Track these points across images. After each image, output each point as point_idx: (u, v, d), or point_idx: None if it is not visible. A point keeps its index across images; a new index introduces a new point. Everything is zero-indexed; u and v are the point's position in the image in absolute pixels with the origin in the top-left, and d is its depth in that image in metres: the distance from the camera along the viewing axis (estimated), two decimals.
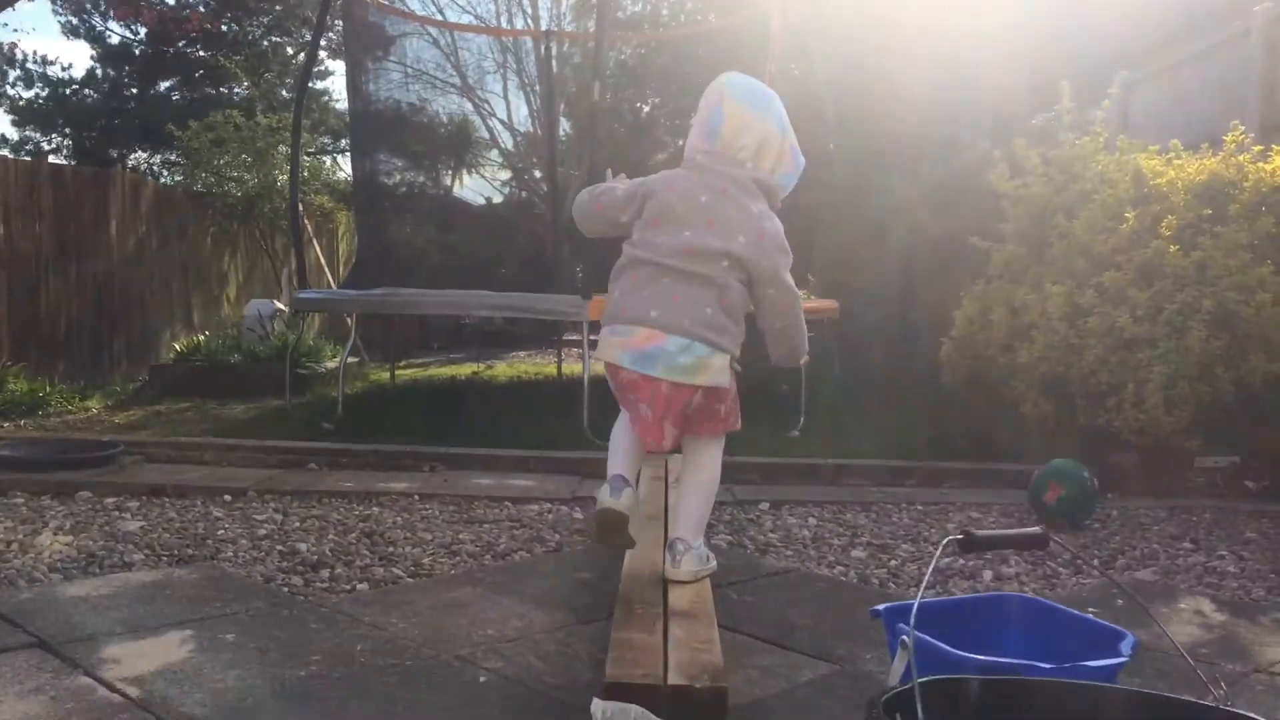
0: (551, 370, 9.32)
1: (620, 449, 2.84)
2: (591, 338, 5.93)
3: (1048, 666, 1.74)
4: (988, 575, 3.35)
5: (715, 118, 2.74)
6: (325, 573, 3.27)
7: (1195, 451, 4.61)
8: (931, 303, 6.74)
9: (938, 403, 5.89)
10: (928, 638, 1.77)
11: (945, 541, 1.64)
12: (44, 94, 17.92)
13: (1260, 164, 4.87)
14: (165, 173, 17.00)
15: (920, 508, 4.36)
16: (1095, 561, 3.55)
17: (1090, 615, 2.26)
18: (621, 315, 2.70)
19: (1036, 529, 1.77)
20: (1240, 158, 4.92)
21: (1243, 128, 5.17)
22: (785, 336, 2.80)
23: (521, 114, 13.20)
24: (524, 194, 13.12)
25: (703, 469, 2.81)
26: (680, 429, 2.72)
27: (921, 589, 1.63)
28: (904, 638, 1.83)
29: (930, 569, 1.56)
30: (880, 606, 2.04)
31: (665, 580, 2.71)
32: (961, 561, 3.46)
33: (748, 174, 2.71)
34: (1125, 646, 1.85)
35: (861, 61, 8.87)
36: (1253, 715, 1.47)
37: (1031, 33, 8.81)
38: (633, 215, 2.78)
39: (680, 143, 3.02)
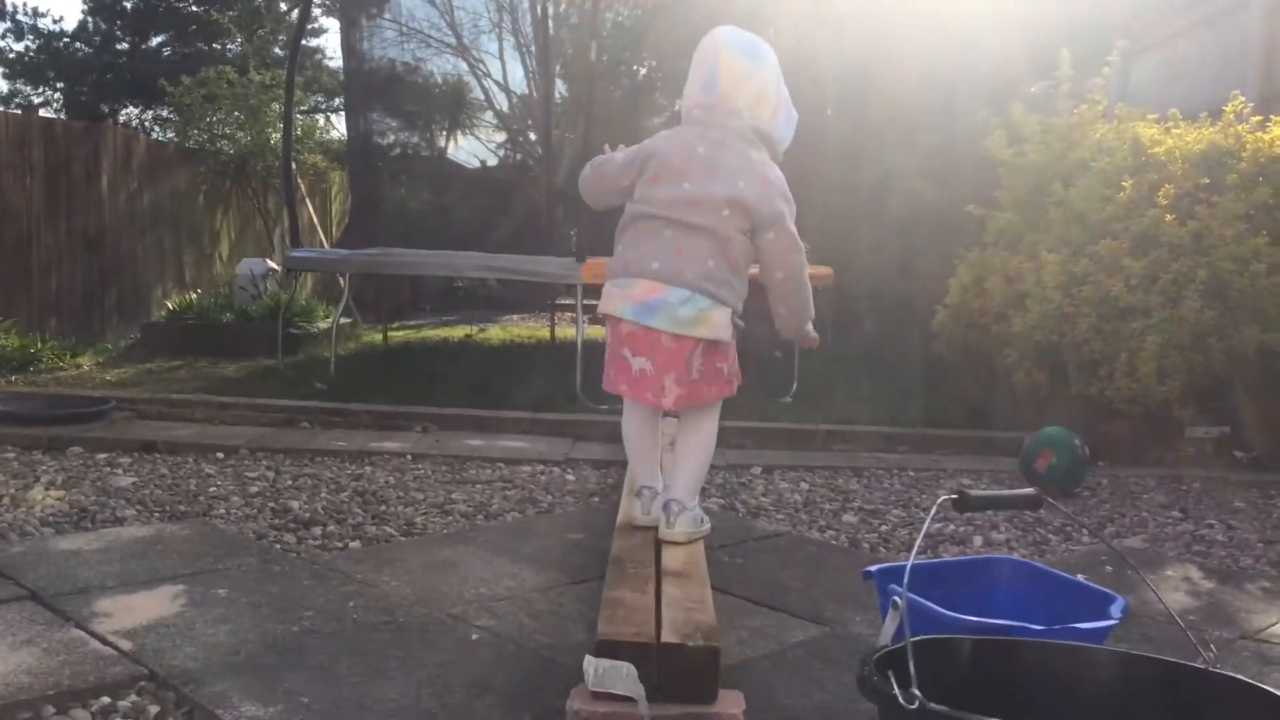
0: (545, 334, 9.30)
1: (638, 451, 2.85)
2: (586, 301, 5.93)
3: (1038, 628, 1.75)
4: (978, 541, 3.36)
5: (712, 70, 2.72)
6: (317, 530, 3.27)
7: (1186, 421, 4.63)
8: (926, 270, 6.74)
9: (931, 370, 5.90)
10: (920, 599, 1.78)
11: (940, 500, 1.64)
12: (35, 47, 17.72)
13: (1259, 134, 4.86)
14: (157, 129, 16.87)
15: (912, 474, 4.38)
16: (1086, 525, 3.57)
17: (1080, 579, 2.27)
18: (624, 269, 2.68)
19: (1030, 490, 1.78)
20: (1239, 127, 4.91)
21: (1242, 97, 5.15)
22: (786, 292, 2.73)
23: (517, 75, 13.05)
24: (519, 156, 13.03)
25: (700, 431, 2.78)
26: (685, 390, 2.65)
27: (914, 551, 1.64)
28: (896, 598, 1.84)
29: (924, 529, 1.56)
30: (872, 568, 2.05)
31: (658, 541, 2.72)
32: (952, 527, 3.47)
33: (746, 123, 2.68)
34: (1115, 609, 1.86)
35: (859, 28, 8.80)
36: (1240, 676, 1.48)
37: (1030, 1, 8.74)
38: (634, 177, 2.75)
39: (677, 106, 2.97)
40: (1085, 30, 8.83)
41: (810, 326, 2.82)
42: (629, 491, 3.04)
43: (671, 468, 2.86)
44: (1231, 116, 4.99)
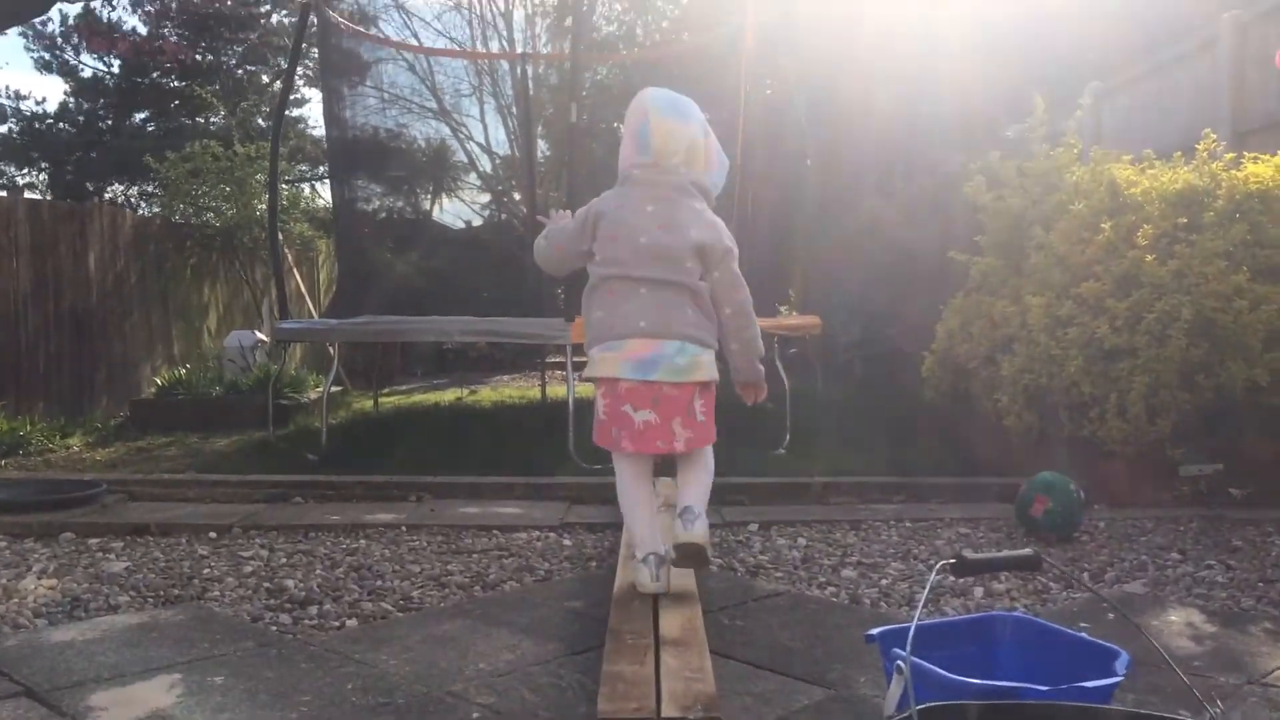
0: (535, 394, 9.29)
1: (638, 514, 2.95)
2: (575, 359, 5.94)
3: (1044, 689, 1.74)
4: (979, 592, 3.35)
5: (643, 131, 2.93)
6: (313, 609, 3.24)
7: (1179, 460, 4.63)
8: (912, 316, 6.78)
9: (922, 416, 5.91)
10: (924, 662, 1.77)
11: (939, 565, 1.64)
12: (18, 129, 17.84)
13: (1233, 171, 4.92)
14: (143, 204, 16.93)
15: (909, 524, 4.37)
16: (1085, 576, 3.56)
17: (1083, 632, 2.26)
18: (611, 332, 2.85)
19: (1029, 551, 1.77)
20: (1213, 165, 4.97)
21: (1214, 135, 5.22)
22: (736, 327, 2.91)
23: (499, 136, 13.23)
24: (503, 216, 13.13)
25: (704, 464, 2.97)
26: (693, 432, 2.85)
27: (917, 613, 1.63)
28: (899, 663, 1.83)
29: (925, 594, 1.56)
30: (875, 631, 2.03)
31: (656, 609, 2.71)
32: (952, 579, 3.45)
33: (684, 179, 2.90)
34: (1120, 665, 1.85)
35: (834, 79, 8.92)
36: None
37: (1000, 45, 8.89)
38: (589, 241, 2.95)
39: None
40: (1057, 72, 8.97)
41: (761, 368, 3.00)
42: (625, 559, 3.03)
43: (682, 483, 2.99)
44: (1205, 155, 5.06)
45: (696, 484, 2.93)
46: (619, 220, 2.88)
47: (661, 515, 3.15)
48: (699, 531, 2.82)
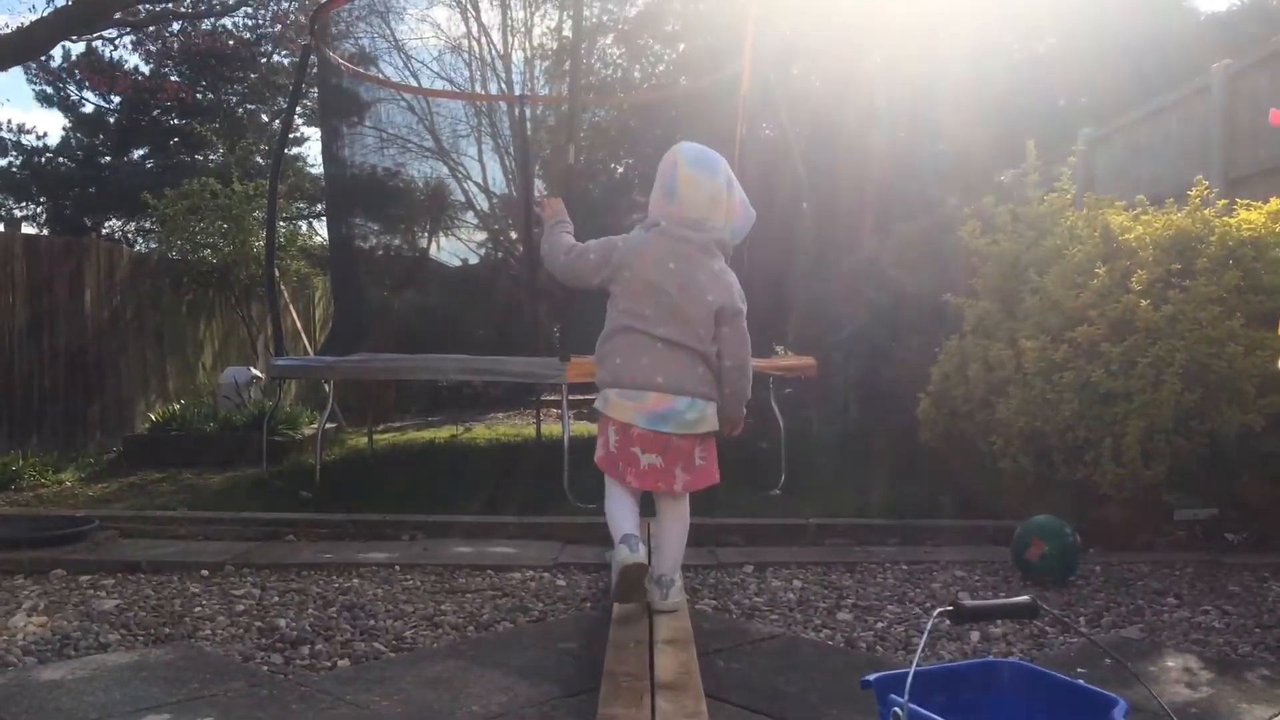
0: (530, 432, 9.28)
1: (621, 514, 3.24)
2: (571, 398, 5.94)
3: None
4: (975, 636, 3.33)
5: (672, 182, 3.21)
6: (305, 649, 3.22)
7: (1174, 504, 4.63)
8: (907, 358, 6.80)
9: (917, 459, 5.90)
10: (921, 709, 1.76)
11: (936, 613, 1.63)
12: (18, 162, 17.91)
13: (1226, 218, 4.97)
14: (140, 240, 16.97)
15: (905, 567, 4.35)
16: (1081, 621, 3.55)
17: (1080, 679, 2.25)
18: (629, 381, 3.17)
19: (1026, 599, 1.77)
20: (1206, 212, 5.01)
21: (1206, 182, 5.27)
22: (732, 377, 3.19)
23: (496, 176, 13.29)
24: (500, 255, 13.17)
25: (680, 516, 3.29)
26: (691, 476, 3.20)
27: (915, 659, 1.63)
28: (896, 709, 1.81)
29: (922, 640, 1.55)
30: (871, 676, 2.01)
31: (652, 652, 2.70)
32: (948, 623, 3.44)
33: (707, 236, 3.17)
34: (1118, 714, 1.83)
35: (830, 124, 9.02)
36: None
37: (997, 90, 9.00)
38: (604, 280, 3.27)
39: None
40: (1049, 119, 9.08)
41: (743, 410, 3.28)
42: (618, 626, 3.05)
43: (657, 548, 3.32)
44: (1197, 201, 5.10)
45: (671, 548, 3.25)
46: (643, 277, 3.17)
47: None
48: (674, 600, 3.17)
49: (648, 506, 3.41)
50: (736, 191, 3.24)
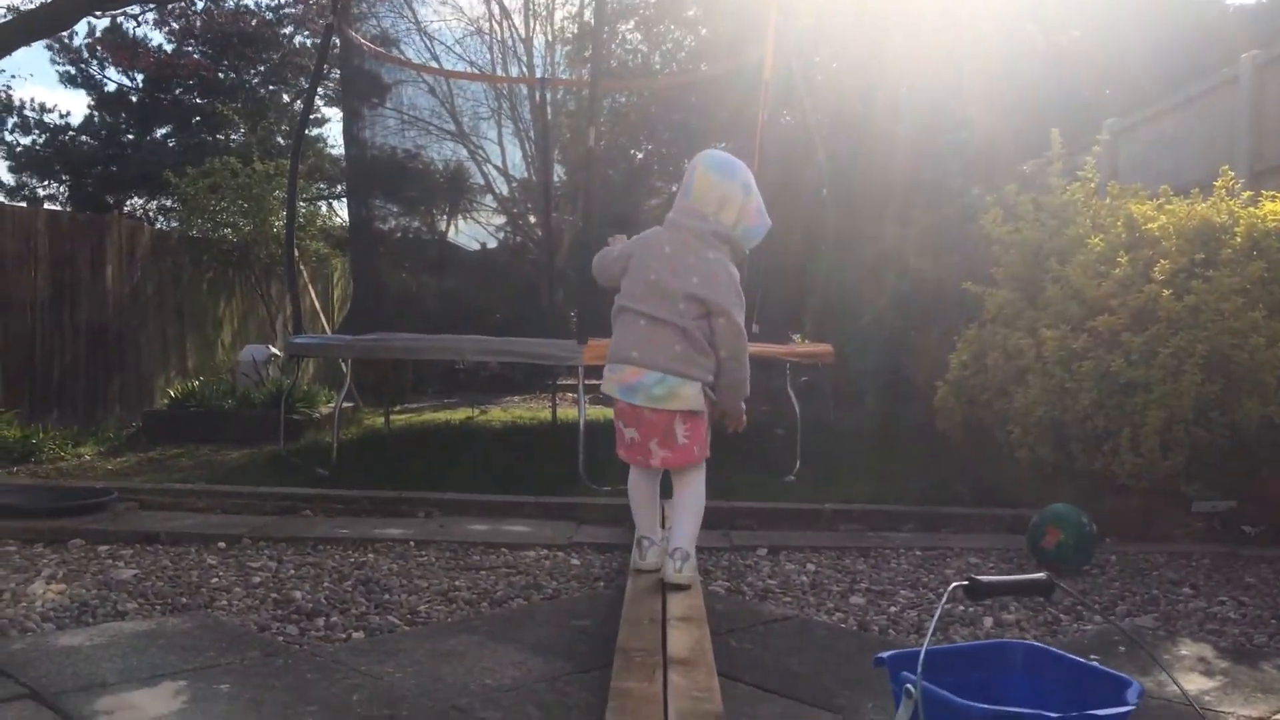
0: (546, 415, 9.31)
1: (639, 509, 3.44)
2: (587, 382, 5.94)
3: (1055, 716, 1.72)
4: (988, 622, 3.33)
5: (689, 181, 3.36)
6: (320, 621, 3.23)
7: (1192, 495, 4.60)
8: (926, 346, 6.77)
9: (934, 446, 5.89)
10: (934, 686, 1.76)
11: (951, 587, 1.63)
12: (41, 140, 18.00)
13: (1251, 209, 4.92)
14: (161, 218, 17.04)
15: (919, 553, 4.34)
16: (1097, 608, 3.53)
17: (1094, 662, 2.24)
18: (614, 356, 3.32)
19: (1042, 575, 1.76)
20: (1231, 203, 4.97)
21: (1232, 173, 5.22)
22: (727, 368, 3.26)
23: (516, 160, 13.26)
24: (519, 239, 13.16)
25: (692, 486, 3.34)
26: (670, 452, 3.26)
27: (928, 637, 1.62)
28: (909, 686, 1.81)
29: (935, 617, 1.55)
30: (884, 654, 2.02)
31: (665, 628, 2.71)
32: (962, 608, 3.44)
33: (709, 227, 3.27)
34: (1131, 695, 1.83)
35: (852, 112, 8.97)
36: None
37: (1019, 81, 8.93)
38: (622, 271, 3.41)
39: (674, 188, 3.57)
40: (1074, 109, 9.00)
41: (742, 404, 3.33)
42: (632, 604, 3.06)
43: (672, 523, 3.38)
44: (1222, 191, 5.06)
45: (684, 524, 3.29)
46: (640, 259, 3.32)
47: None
48: (687, 575, 3.20)
49: (665, 487, 3.46)
50: (754, 197, 3.33)
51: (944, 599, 1.58)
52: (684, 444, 3.25)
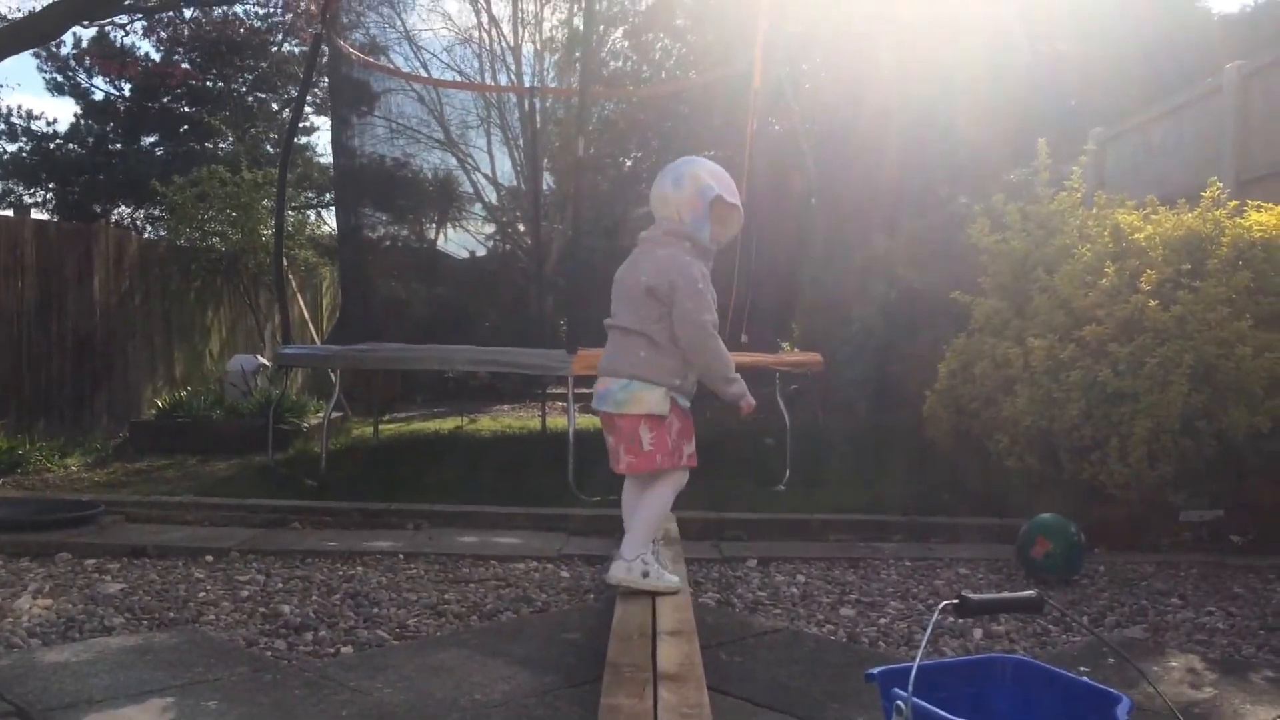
0: (536, 424, 9.28)
1: (628, 516, 3.38)
2: (576, 391, 5.94)
3: None
4: (978, 634, 3.33)
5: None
6: (309, 635, 3.22)
7: (1180, 505, 4.61)
8: (914, 355, 6.78)
9: (922, 455, 5.89)
10: (924, 703, 1.76)
11: (941, 606, 1.63)
12: (28, 148, 17.93)
13: (1237, 219, 4.94)
14: (149, 227, 16.98)
15: (908, 563, 4.35)
16: (1085, 620, 3.54)
17: (1084, 676, 2.24)
18: (598, 369, 3.39)
19: (1031, 593, 1.76)
20: (1217, 213, 4.99)
21: (1219, 183, 5.25)
22: (691, 351, 3.23)
23: (505, 168, 13.26)
24: (508, 248, 13.16)
25: (651, 497, 3.32)
26: (635, 458, 3.25)
27: (920, 652, 1.62)
28: (899, 703, 1.81)
29: (926, 635, 1.55)
30: (875, 670, 2.01)
31: (655, 644, 2.70)
32: (951, 619, 3.44)
33: (660, 229, 3.34)
34: (1121, 711, 1.83)
35: (841, 120, 9.00)
36: None
37: (1006, 89, 8.97)
38: None
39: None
40: (1061, 117, 9.05)
41: (735, 389, 3.31)
42: (621, 618, 3.05)
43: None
44: (1209, 202, 5.08)
45: (632, 529, 3.30)
46: (617, 280, 3.41)
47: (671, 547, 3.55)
48: (615, 575, 3.23)
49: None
50: (684, 189, 3.30)
51: (934, 617, 1.58)
52: (648, 450, 3.23)
